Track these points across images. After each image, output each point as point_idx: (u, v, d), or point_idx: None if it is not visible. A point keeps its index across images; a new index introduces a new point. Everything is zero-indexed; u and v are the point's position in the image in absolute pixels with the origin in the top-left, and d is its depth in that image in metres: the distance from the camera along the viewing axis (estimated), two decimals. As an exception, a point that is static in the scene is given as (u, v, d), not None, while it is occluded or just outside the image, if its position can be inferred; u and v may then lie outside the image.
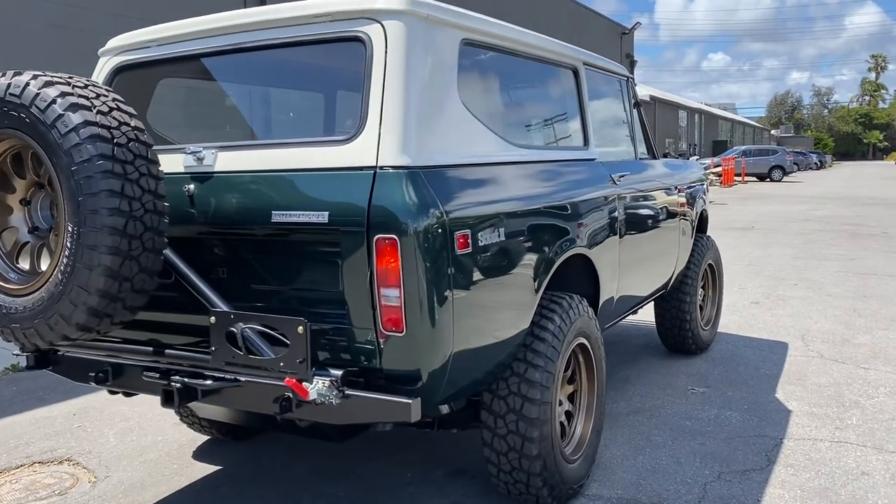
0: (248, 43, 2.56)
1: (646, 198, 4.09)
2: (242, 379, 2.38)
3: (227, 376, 2.41)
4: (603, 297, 3.45)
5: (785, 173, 34.27)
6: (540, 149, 3.14)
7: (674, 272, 4.69)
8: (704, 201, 5.43)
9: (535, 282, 2.75)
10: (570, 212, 3.07)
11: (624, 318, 4.16)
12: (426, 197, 2.21)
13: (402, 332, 2.18)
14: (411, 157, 2.25)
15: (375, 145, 2.24)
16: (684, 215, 4.78)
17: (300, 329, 2.19)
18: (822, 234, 12.47)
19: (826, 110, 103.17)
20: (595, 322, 3.20)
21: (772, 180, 33.67)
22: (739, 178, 32.29)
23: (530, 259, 2.73)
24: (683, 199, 4.78)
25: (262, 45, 2.54)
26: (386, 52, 2.30)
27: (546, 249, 2.83)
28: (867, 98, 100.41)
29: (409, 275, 2.14)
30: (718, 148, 43.19)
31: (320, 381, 2.18)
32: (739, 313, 6.55)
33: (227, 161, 2.49)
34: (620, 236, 3.62)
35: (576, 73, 3.59)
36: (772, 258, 9.84)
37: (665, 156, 5.39)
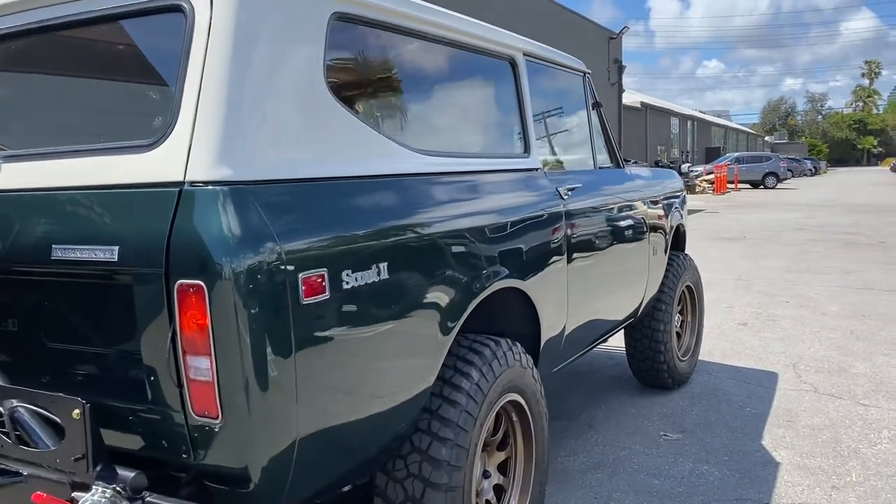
0: (43, 22, 1.93)
1: (603, 214, 3.46)
2: (25, 473, 1.75)
3: (11, 468, 1.77)
4: (546, 337, 2.82)
5: (779, 180, 33.72)
6: (456, 157, 2.51)
7: (643, 297, 4.06)
8: (682, 214, 4.80)
9: (440, 328, 2.12)
10: (494, 235, 2.44)
11: (584, 354, 3.53)
12: (254, 224, 1.58)
13: (217, 417, 1.55)
14: (235, 167, 1.61)
15: (185, 152, 1.60)
16: (655, 231, 4.16)
17: (75, 413, 1.56)
18: (816, 245, 11.86)
19: (820, 116, 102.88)
20: (532, 371, 2.57)
21: (765, 187, 33.12)
22: (732, 186, 31.72)
23: (433, 299, 2.10)
24: (654, 214, 4.16)
25: (62, 24, 1.91)
26: (210, 24, 1.67)
27: (458, 285, 2.20)
28: (861, 104, 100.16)
29: (223, 337, 1.51)
30: (711, 155, 42.64)
31: (100, 490, 1.54)
32: (725, 337, 5.92)
33: (8, 176, 1.85)
34: (570, 261, 2.99)
35: (513, 64, 2.96)
36: (763, 271, 9.22)
37: (636, 163, 4.80)
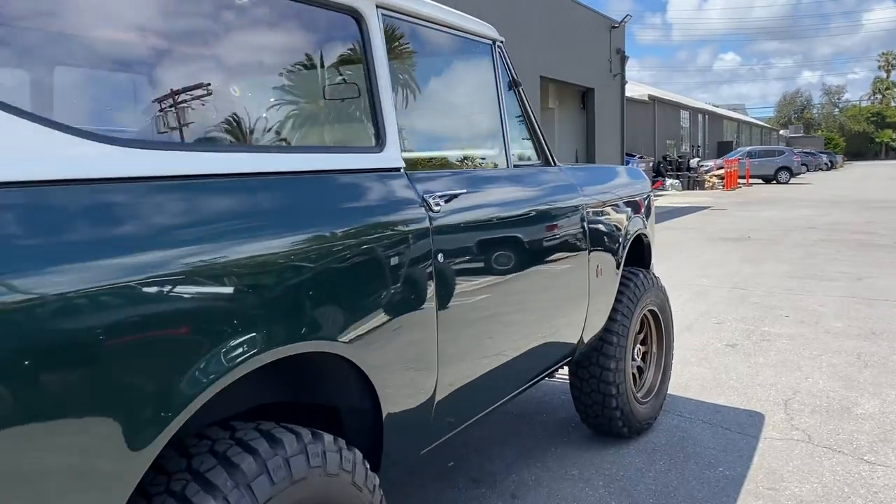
0: None
1: (506, 228, 2.58)
2: None
3: None
4: (394, 411, 1.96)
5: (792, 175, 32.59)
6: (223, 150, 1.65)
7: (583, 330, 3.20)
8: (644, 222, 3.92)
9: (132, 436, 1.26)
10: (284, 274, 1.58)
11: (487, 413, 2.66)
12: None
13: None
14: None
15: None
16: (600, 246, 3.29)
17: None
18: (826, 246, 10.90)
19: (837, 109, 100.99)
20: (354, 474, 1.71)
21: (778, 182, 32.01)
22: (744, 181, 30.65)
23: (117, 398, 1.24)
24: (599, 224, 3.29)
25: None
26: None
27: (194, 364, 1.35)
28: (879, 97, 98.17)
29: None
30: (724, 149, 41.47)
31: None
32: (708, 362, 5.02)
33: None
34: (442, 299, 2.13)
35: (358, 19, 2.09)
36: (764, 277, 8.29)
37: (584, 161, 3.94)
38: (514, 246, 2.59)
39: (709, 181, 29.13)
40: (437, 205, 2.17)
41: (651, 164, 26.73)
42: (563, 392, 4.40)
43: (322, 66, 2.13)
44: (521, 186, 2.80)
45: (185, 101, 1.64)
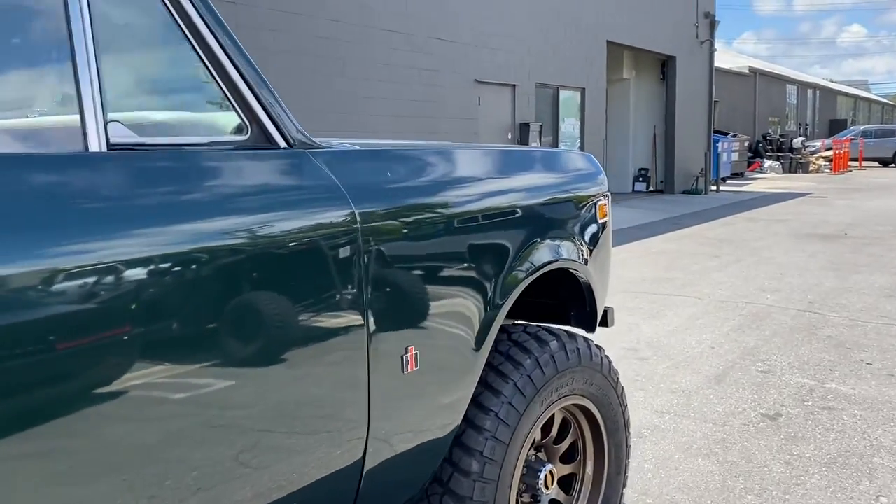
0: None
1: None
2: None
3: None
4: None
5: (914, 157, 28.92)
6: None
7: (360, 480, 1.58)
8: (580, 248, 2.25)
9: None
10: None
11: None
12: None
13: None
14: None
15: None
16: (409, 307, 1.66)
17: None
18: (944, 249, 8.63)
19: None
20: None
21: (897, 166, 28.50)
22: (856, 164, 27.37)
23: None
24: (396, 265, 1.62)
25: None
26: None
27: None
28: None
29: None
30: (837, 128, 37.57)
31: None
32: (726, 450, 3.25)
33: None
34: None
35: None
36: (851, 294, 6.28)
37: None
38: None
39: (814, 163, 26.10)
40: None
41: (746, 144, 24.05)
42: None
43: None
44: (104, 194, 1.19)
45: None
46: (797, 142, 27.24)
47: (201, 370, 1.25)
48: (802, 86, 37.32)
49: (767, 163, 25.66)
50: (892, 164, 28.62)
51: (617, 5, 14.73)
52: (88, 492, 1.13)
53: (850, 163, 26.88)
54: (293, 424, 1.42)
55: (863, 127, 33.14)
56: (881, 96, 75.96)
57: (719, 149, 19.70)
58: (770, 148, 26.93)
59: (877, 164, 28.87)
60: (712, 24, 18.69)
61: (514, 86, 12.24)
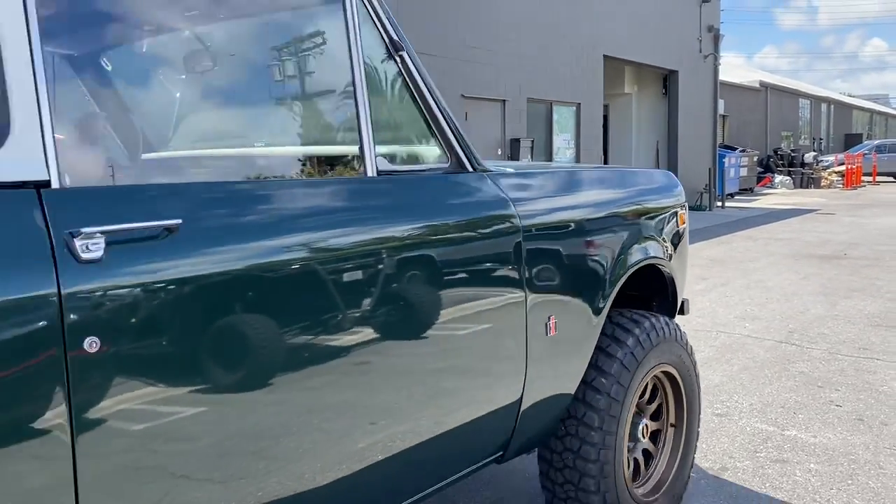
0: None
1: (285, 279, 1.57)
2: None
3: None
4: None
5: (930, 173, 28.24)
6: None
7: (517, 417, 2.19)
8: (664, 248, 2.79)
9: None
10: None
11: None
12: None
13: None
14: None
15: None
16: (552, 287, 2.25)
17: None
18: (945, 272, 8.19)
19: None
20: None
21: (912, 181, 27.84)
22: (870, 179, 26.78)
23: None
24: (547, 257, 2.24)
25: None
26: None
27: None
28: None
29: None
30: (852, 143, 36.88)
31: None
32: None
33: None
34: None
35: None
36: (836, 323, 5.89)
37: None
38: (325, 310, 1.63)
39: (826, 178, 25.54)
40: (90, 249, 1.23)
41: (756, 159, 23.58)
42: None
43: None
44: (375, 204, 1.85)
45: None
46: (809, 157, 26.72)
47: (437, 327, 1.87)
48: (816, 100, 36.78)
49: (778, 178, 25.15)
50: (908, 180, 27.98)
51: (615, 19, 14.41)
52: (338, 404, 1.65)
53: (864, 178, 26.31)
54: (479, 370, 2.03)
55: (877, 141, 32.48)
56: (900, 110, 74.82)
57: (726, 164, 19.27)
58: (781, 163, 26.43)
59: (891, 178, 28.25)
60: (716, 38, 18.33)
61: (503, 101, 11.94)
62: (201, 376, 1.38)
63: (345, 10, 1.83)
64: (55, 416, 1.18)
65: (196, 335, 1.37)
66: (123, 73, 1.89)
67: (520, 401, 2.16)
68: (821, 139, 36.31)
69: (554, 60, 12.91)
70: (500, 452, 2.24)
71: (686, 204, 3.07)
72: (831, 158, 28.18)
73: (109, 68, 1.85)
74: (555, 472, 2.44)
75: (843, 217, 15.05)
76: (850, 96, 57.90)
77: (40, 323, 1.17)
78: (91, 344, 1.21)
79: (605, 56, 14.27)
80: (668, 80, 17.36)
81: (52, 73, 1.35)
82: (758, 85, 29.13)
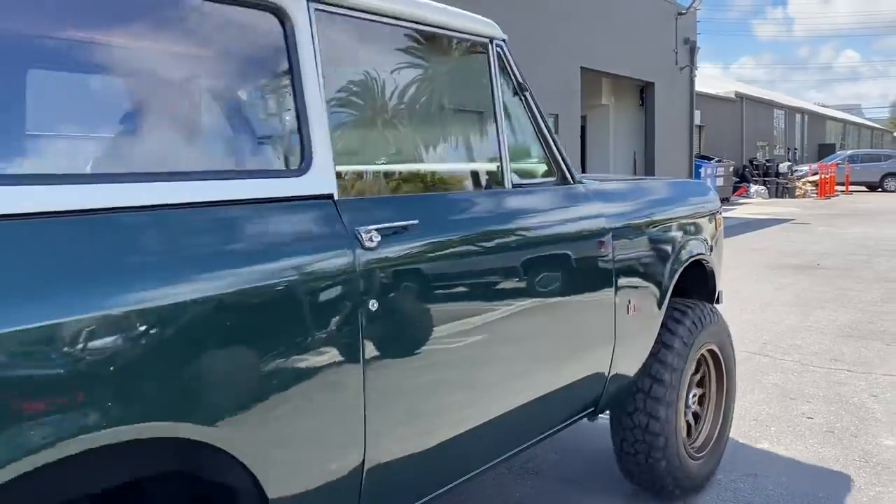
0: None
1: (473, 266, 2.13)
2: None
3: None
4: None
5: (901, 182, 28.68)
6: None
7: (606, 380, 2.69)
8: (707, 245, 3.32)
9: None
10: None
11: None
12: None
13: None
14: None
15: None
16: (633, 279, 2.75)
17: None
18: (915, 283, 8.34)
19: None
20: None
21: (884, 190, 28.26)
22: (843, 189, 27.20)
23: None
24: (628, 253, 2.75)
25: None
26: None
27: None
28: None
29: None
30: (826, 153, 37.38)
31: None
32: None
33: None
34: (371, 364, 1.74)
35: (282, 17, 1.71)
36: (809, 334, 5.98)
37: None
38: (490, 286, 2.17)
39: (801, 188, 25.90)
40: (372, 240, 1.78)
41: (731, 169, 23.85)
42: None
43: (237, 73, 1.94)
44: (515, 209, 2.36)
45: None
46: (784, 166, 27.07)
47: (516, 323, 2.24)
48: (791, 110, 37.31)
49: (754, 188, 25.45)
50: (879, 189, 28.44)
51: (592, 32, 14.55)
52: (476, 394, 2.13)
53: (837, 187, 26.71)
54: (569, 353, 2.50)
55: (849, 152, 32.99)
56: (874, 120, 76.20)
57: (702, 174, 19.47)
58: (757, 173, 26.76)
59: (865, 188, 28.71)
60: (692, 50, 18.58)
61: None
62: (441, 324, 1.97)
63: (489, 61, 2.41)
64: (353, 349, 1.70)
65: (436, 296, 1.97)
66: (367, 117, 2.39)
67: (610, 366, 2.68)
68: (795, 149, 36.81)
69: (532, 73, 12.99)
70: (592, 408, 2.75)
71: (722, 209, 3.61)
72: (806, 168, 28.57)
73: (357, 115, 2.34)
74: (629, 421, 2.89)
75: (818, 227, 15.27)
76: (825, 106, 58.72)
77: (347, 287, 1.70)
78: (372, 304, 1.74)
79: (582, 68, 14.40)
80: (644, 92, 17.55)
81: (331, 120, 1.85)
82: (733, 96, 29.50)
